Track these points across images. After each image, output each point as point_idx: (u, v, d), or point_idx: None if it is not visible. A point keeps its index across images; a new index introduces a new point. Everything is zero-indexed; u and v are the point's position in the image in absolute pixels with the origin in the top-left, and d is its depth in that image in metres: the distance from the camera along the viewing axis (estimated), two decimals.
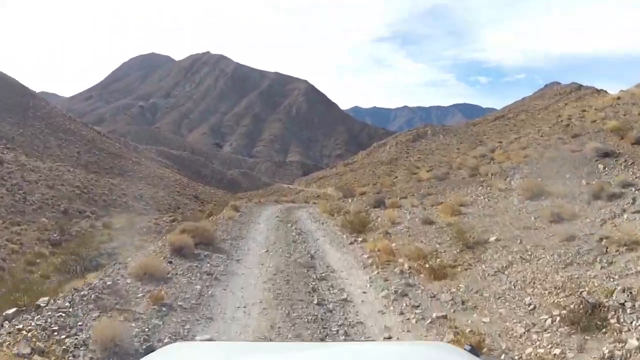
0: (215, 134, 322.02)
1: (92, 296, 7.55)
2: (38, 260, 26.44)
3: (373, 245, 12.12)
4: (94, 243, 34.03)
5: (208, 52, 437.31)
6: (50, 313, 6.70)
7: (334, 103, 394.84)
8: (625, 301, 6.18)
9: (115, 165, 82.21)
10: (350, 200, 23.95)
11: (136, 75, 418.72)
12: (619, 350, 5.48)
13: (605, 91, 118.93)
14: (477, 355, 2.42)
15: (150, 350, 2.44)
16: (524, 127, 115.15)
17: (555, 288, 7.34)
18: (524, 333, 6.48)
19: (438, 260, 10.06)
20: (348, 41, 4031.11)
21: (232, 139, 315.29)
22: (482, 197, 14.78)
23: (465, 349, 2.49)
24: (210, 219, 19.69)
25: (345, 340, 6.83)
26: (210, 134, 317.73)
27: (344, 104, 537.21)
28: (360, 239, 13.70)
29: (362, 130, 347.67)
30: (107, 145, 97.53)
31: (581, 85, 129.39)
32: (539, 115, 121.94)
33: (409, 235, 12.90)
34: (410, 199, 19.77)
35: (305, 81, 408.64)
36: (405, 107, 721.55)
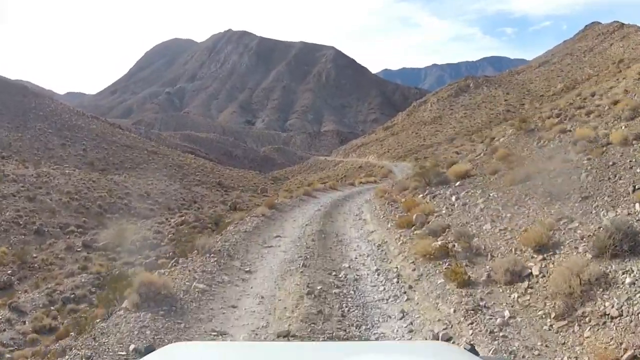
0: (246, 111, 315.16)
1: None
2: None
3: None
4: (58, 278, 25.33)
5: (230, 30, 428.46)
6: None
7: (363, 67, 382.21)
8: None
9: (127, 158, 74.75)
10: (448, 195, 12.35)
11: (160, 62, 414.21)
12: None
13: None
14: (477, 355, 2.39)
15: (150, 350, 2.38)
16: (572, 70, 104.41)
17: None
18: None
19: None
20: (371, 2, 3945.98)
21: (264, 114, 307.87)
22: None
23: (465, 349, 2.45)
24: None
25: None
26: (241, 112, 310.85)
27: (373, 68, 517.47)
28: None
29: (395, 92, 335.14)
30: (119, 137, 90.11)
31: (623, 24, 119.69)
32: (585, 58, 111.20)
33: None
34: None
35: (332, 47, 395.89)
36: (434, 65, 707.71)
